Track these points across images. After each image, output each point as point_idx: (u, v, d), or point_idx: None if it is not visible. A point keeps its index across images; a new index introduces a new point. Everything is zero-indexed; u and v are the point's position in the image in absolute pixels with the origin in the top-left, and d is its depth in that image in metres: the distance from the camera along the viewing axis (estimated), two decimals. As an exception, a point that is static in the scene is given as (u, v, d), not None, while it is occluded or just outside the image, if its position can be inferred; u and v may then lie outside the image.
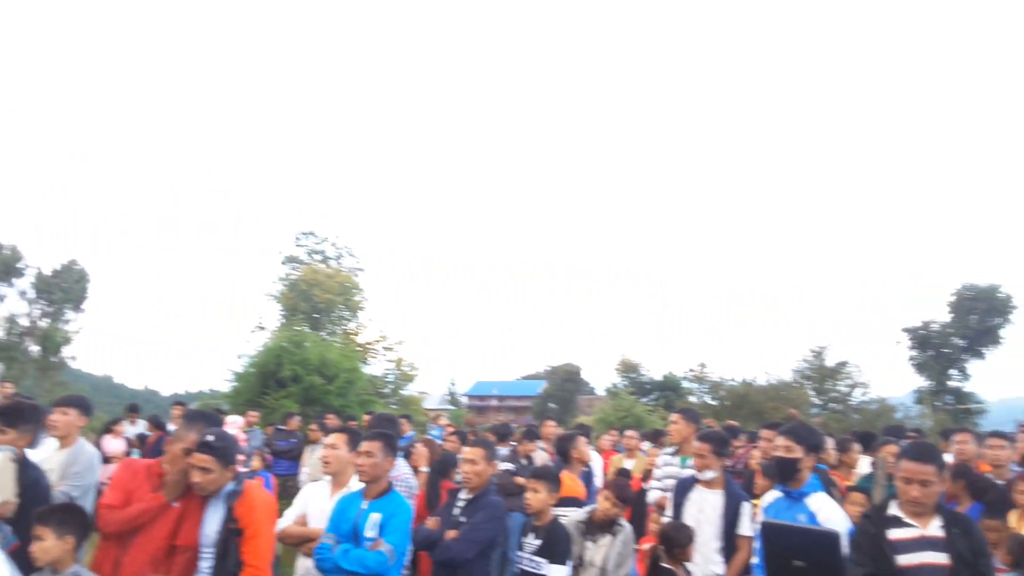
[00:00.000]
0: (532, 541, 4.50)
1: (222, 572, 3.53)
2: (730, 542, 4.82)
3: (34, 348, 37.17)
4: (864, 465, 6.87)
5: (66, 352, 38.10)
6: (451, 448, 7.94)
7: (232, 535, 3.52)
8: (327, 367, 16.20)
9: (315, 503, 4.42)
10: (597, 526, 4.84)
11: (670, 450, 6.26)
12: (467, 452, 4.52)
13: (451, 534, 4.31)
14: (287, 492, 9.11)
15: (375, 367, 23.98)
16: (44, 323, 37.90)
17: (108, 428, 10.36)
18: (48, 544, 3.12)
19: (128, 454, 9.59)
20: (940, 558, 3.20)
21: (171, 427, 9.98)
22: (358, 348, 23.57)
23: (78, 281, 39.57)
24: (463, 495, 4.53)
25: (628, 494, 4.97)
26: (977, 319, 30.45)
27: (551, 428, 8.40)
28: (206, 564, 3.55)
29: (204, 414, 4.10)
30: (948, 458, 6.68)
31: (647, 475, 6.60)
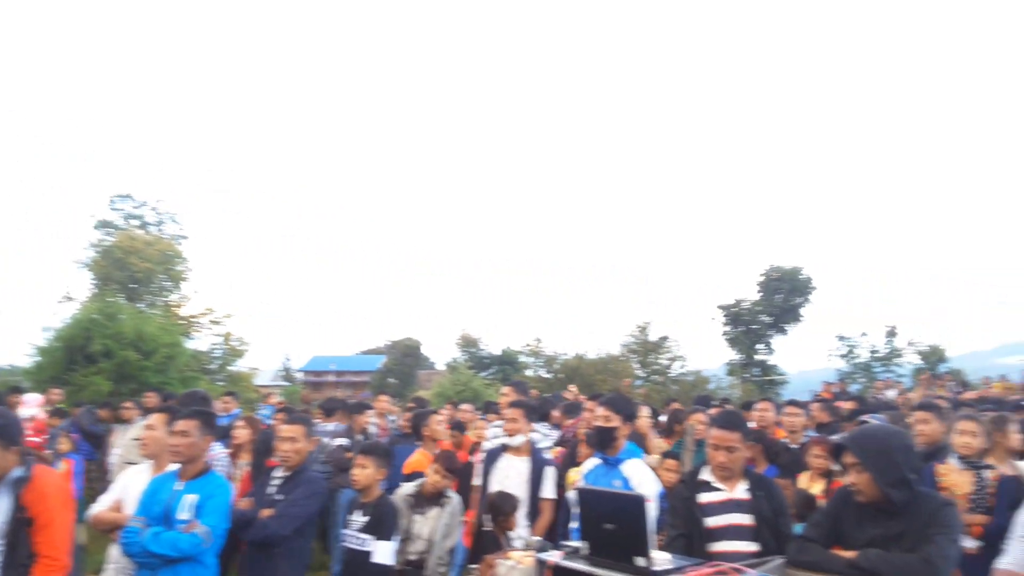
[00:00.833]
0: (359, 518, 4.44)
1: (12, 565, 3.21)
2: (536, 506, 5.06)
3: None
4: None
5: None
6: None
7: (22, 525, 3.21)
8: (144, 341, 15.14)
9: (133, 487, 4.15)
10: (426, 499, 4.88)
11: (500, 422, 6.40)
12: (285, 429, 4.39)
13: (266, 512, 4.17)
14: (96, 476, 8.46)
15: (201, 342, 22.68)
16: None
17: None
18: None
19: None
20: (745, 519, 3.45)
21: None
22: (180, 321, 22.15)
23: None
24: (279, 473, 4.40)
25: (456, 465, 5.04)
26: (781, 298, 33.46)
27: (384, 403, 8.34)
28: (-6, 557, 3.22)
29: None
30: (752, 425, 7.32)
31: (475, 447, 6.72)
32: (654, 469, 6.26)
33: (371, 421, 8.06)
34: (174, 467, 3.96)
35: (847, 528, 2.94)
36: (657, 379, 29.04)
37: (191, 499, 3.73)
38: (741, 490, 3.53)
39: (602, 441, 4.43)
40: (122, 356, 14.57)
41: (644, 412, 7.32)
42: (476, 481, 5.36)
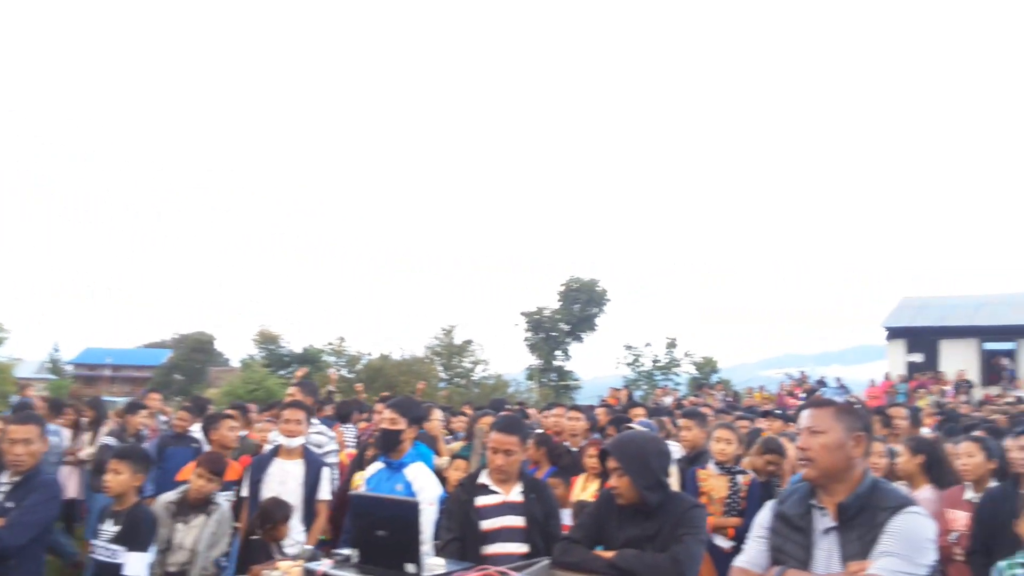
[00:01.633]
0: (110, 528, 4.01)
1: None
2: (312, 508, 4.96)
3: None
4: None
5: None
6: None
7: None
8: None
9: None
10: (190, 506, 4.52)
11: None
12: (14, 430, 3.84)
13: (-2, 522, 3.65)
14: None
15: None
16: None
17: None
18: None
19: None
20: (517, 521, 3.54)
21: None
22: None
23: None
24: (5, 479, 3.87)
25: (223, 468, 4.73)
26: (579, 308, 35.25)
27: (156, 401, 7.70)
28: None
29: None
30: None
31: (257, 450, 6.38)
32: (443, 472, 6.28)
33: (144, 422, 7.40)
34: None
35: (609, 529, 3.08)
36: (460, 382, 29.43)
37: None
38: (516, 493, 3.61)
39: (387, 444, 4.34)
40: None
41: (437, 415, 7.33)
42: (244, 491, 5.10)
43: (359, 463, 5.63)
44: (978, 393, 20.57)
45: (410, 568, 2.77)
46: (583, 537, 3.07)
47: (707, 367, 33.40)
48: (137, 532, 3.96)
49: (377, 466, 4.44)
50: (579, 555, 2.95)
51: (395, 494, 4.09)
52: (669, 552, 2.82)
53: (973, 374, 22.56)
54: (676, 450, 6.11)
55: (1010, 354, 23.27)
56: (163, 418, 8.18)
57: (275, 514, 4.52)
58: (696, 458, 5.80)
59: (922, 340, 24.42)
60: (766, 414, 9.36)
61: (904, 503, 2.40)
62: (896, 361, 24.52)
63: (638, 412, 7.77)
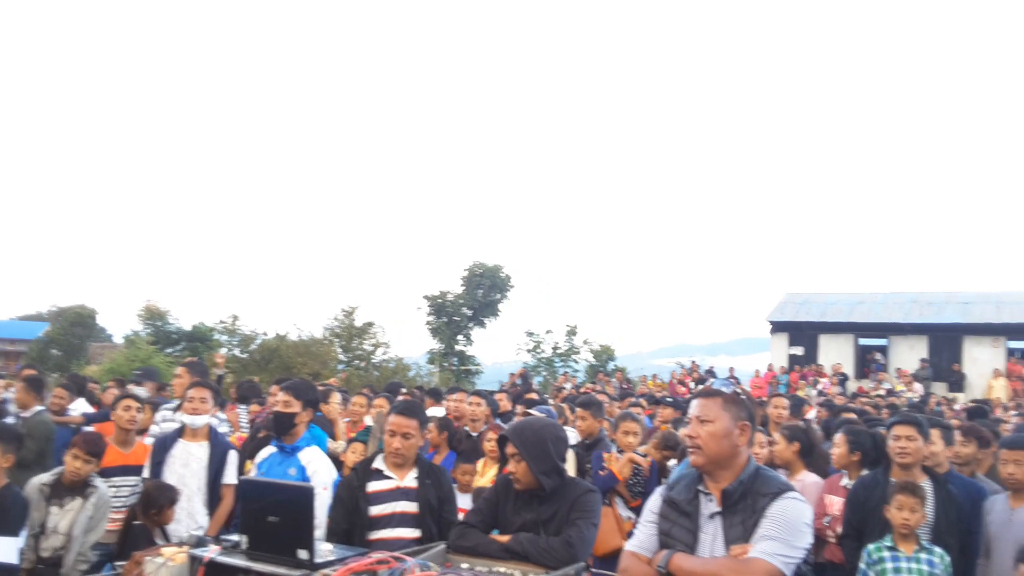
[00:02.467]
0: (-27, 512, 3.75)
1: None
2: (216, 493, 4.79)
3: None
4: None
5: None
6: None
7: None
8: None
9: None
10: (65, 488, 4.27)
11: (172, 404, 5.87)
12: None
13: None
14: None
15: None
16: None
17: None
18: None
19: None
20: (410, 507, 3.54)
21: None
22: None
23: None
24: None
25: (100, 449, 4.48)
26: (482, 293, 35.28)
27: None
28: None
29: None
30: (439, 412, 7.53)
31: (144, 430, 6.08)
32: (338, 456, 6.18)
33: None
34: None
35: (506, 513, 3.11)
36: (360, 364, 28.94)
37: None
38: (410, 478, 3.60)
39: (280, 427, 4.23)
40: None
41: (335, 398, 7.22)
42: (146, 472, 4.86)
43: (251, 447, 5.46)
44: (852, 386, 21.98)
45: (302, 554, 2.71)
46: (479, 522, 3.09)
47: (605, 355, 34.16)
48: (6, 516, 3.71)
49: (270, 450, 4.33)
50: (474, 539, 2.97)
51: (288, 479, 4.00)
52: (563, 536, 2.87)
53: (848, 367, 24.06)
54: (573, 436, 6.24)
55: (882, 349, 24.94)
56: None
57: (159, 499, 4.33)
58: (593, 445, 5.94)
59: (803, 334, 25.81)
60: (658, 402, 9.68)
61: (783, 489, 2.53)
62: (779, 353, 25.84)
63: (532, 397, 7.88)
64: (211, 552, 2.85)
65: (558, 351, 34.33)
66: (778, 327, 26.48)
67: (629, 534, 4.85)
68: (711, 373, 24.48)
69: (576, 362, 34.06)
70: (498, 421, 6.55)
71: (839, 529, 4.76)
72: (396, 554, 2.72)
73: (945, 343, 23.76)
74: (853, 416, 7.13)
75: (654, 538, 2.63)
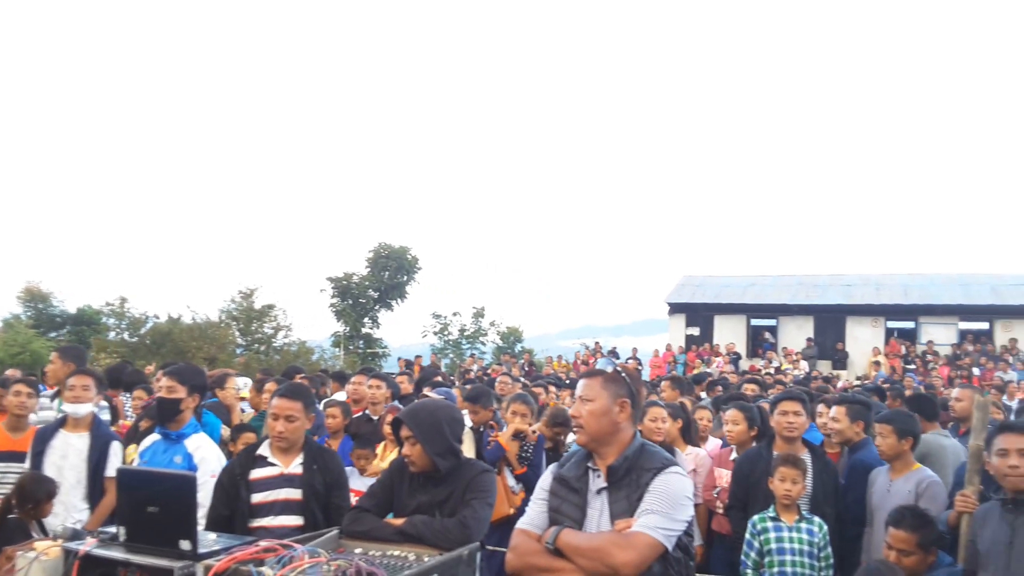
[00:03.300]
0: None
1: None
2: (98, 486, 4.56)
3: None
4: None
5: None
6: None
7: None
8: None
9: None
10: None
11: (49, 392, 5.53)
12: None
13: None
14: None
15: None
16: None
17: None
18: None
19: None
20: (293, 494, 3.46)
21: None
22: None
23: None
24: None
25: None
26: (389, 275, 34.85)
27: None
28: None
29: None
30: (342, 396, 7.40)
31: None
32: (228, 443, 5.98)
33: None
34: None
35: (401, 497, 3.08)
36: (260, 348, 28.09)
37: None
38: (296, 464, 3.53)
39: (164, 414, 4.04)
40: None
41: (232, 383, 6.99)
42: (27, 464, 4.57)
43: (134, 435, 5.20)
44: (745, 364, 23.01)
45: (184, 545, 2.60)
46: (373, 506, 3.04)
47: (512, 337, 34.48)
48: None
49: (154, 438, 4.14)
50: (368, 524, 2.92)
51: (174, 467, 3.85)
52: (457, 517, 2.86)
53: (741, 347, 25.17)
54: (468, 419, 6.26)
55: (772, 329, 26.20)
56: None
57: (35, 492, 4.07)
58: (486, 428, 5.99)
59: (699, 315, 26.83)
60: (558, 383, 9.85)
61: (665, 464, 2.61)
62: (676, 334, 26.76)
63: (438, 379, 7.85)
64: (87, 545, 2.70)
65: (465, 333, 34.39)
66: (676, 308, 27.40)
67: (520, 508, 4.95)
68: (614, 353, 25.09)
69: (483, 344, 34.22)
70: (395, 404, 6.48)
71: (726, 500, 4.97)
72: (285, 541, 2.65)
73: (829, 323, 25.19)
74: (755, 391, 7.50)
75: (544, 515, 2.66)
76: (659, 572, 2.45)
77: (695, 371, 20.71)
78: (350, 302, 34.51)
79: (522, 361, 25.55)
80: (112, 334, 27.99)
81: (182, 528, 2.63)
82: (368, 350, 34.33)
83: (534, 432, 5.61)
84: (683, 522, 2.52)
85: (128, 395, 7.32)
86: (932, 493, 4.16)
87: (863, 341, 24.19)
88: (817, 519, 4.25)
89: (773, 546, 4.16)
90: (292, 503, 3.43)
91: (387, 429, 5.54)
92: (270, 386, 6.36)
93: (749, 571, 4.21)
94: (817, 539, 4.17)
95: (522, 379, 13.98)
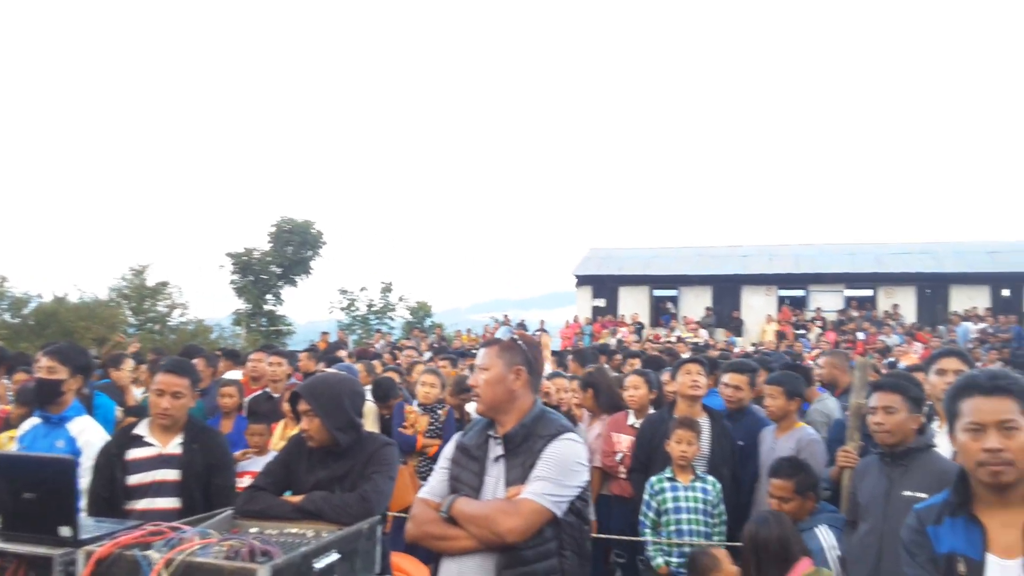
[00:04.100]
0: None
1: None
2: None
3: None
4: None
5: None
6: None
7: None
8: None
9: None
10: None
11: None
12: None
13: None
14: None
15: None
16: None
17: None
18: None
19: None
20: (171, 474, 3.35)
21: None
22: None
23: None
24: None
25: None
26: (292, 250, 33.84)
27: None
28: None
29: None
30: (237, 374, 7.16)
31: None
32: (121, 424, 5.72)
33: None
34: None
35: (300, 473, 3.01)
36: (154, 328, 26.88)
37: None
38: (175, 444, 3.41)
39: (44, 396, 3.81)
40: None
41: (128, 364, 6.71)
42: None
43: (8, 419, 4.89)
44: (649, 333, 23.71)
45: (64, 531, 2.46)
46: (270, 484, 2.96)
47: (421, 311, 34.23)
48: None
49: (33, 421, 3.90)
50: (264, 502, 2.84)
51: (56, 451, 3.63)
52: (358, 491, 2.83)
53: (644, 317, 25.92)
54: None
55: (673, 299, 27.08)
56: None
57: None
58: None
59: (604, 287, 27.43)
60: (464, 355, 9.88)
61: (560, 431, 2.63)
62: (583, 305, 27.31)
63: (341, 355, 7.74)
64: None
65: (373, 308, 33.92)
66: (583, 280, 27.91)
67: None
68: (522, 326, 25.36)
69: (392, 319, 33.85)
70: (293, 381, 6.34)
71: (628, 464, 5.13)
72: (175, 524, 2.55)
73: (726, 292, 26.23)
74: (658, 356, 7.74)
75: (445, 484, 2.67)
76: (550, 536, 2.49)
77: (601, 341, 21.19)
78: (251, 278, 33.37)
79: (432, 336, 25.47)
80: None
81: (62, 514, 2.49)
82: (272, 328, 33.37)
83: (444, 407, 5.64)
84: (575, 488, 2.55)
85: (8, 379, 6.88)
86: (812, 449, 4.41)
87: (757, 309, 25.32)
88: (711, 478, 4.44)
89: (670, 505, 4.32)
90: (169, 484, 3.32)
91: (287, 407, 5.43)
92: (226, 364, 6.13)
93: (647, 530, 4.37)
94: (711, 497, 4.36)
95: (429, 353, 13.98)
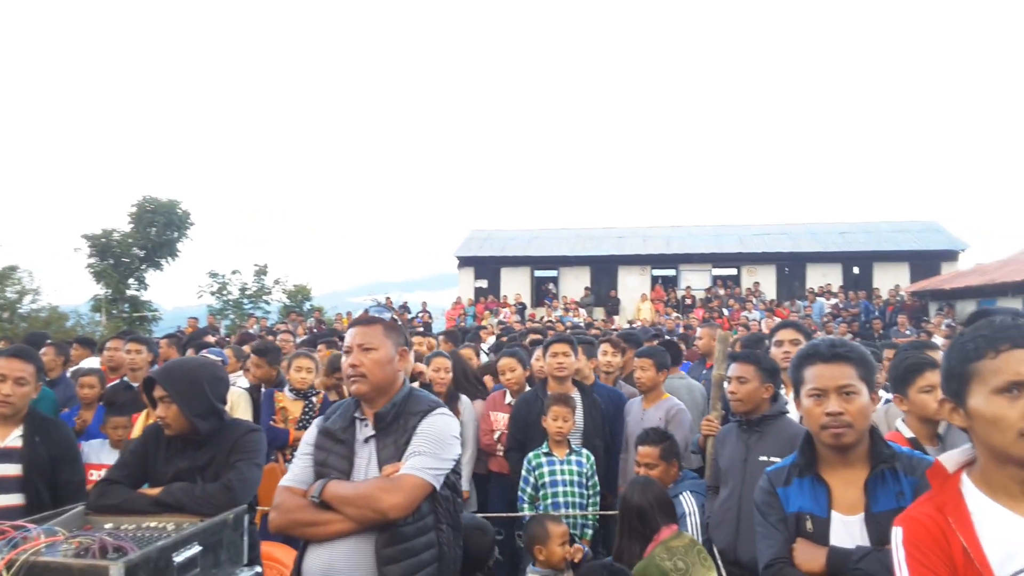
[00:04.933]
0: None
1: None
2: None
3: None
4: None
5: None
6: None
7: None
8: None
9: None
10: None
11: None
12: None
13: None
14: None
15: None
16: None
17: None
18: None
19: None
20: (12, 469, 3.13)
21: None
22: None
23: None
24: None
25: None
26: (156, 231, 31.94)
27: None
28: None
29: None
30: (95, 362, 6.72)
31: None
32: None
33: None
34: None
35: (158, 464, 2.85)
36: (2, 315, 24.75)
37: None
38: (14, 437, 3.18)
39: None
40: None
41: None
42: None
43: None
44: (529, 314, 24.05)
45: None
46: (124, 476, 2.78)
47: (300, 295, 33.19)
48: None
49: None
50: (118, 496, 2.67)
51: None
52: (221, 480, 2.71)
53: (526, 297, 26.27)
54: (245, 380, 5.99)
55: (554, 280, 27.60)
56: None
57: None
58: (272, 384, 5.75)
59: (487, 268, 27.59)
60: (341, 338, 9.65)
61: (432, 407, 2.63)
62: (466, 287, 27.37)
63: (209, 340, 7.40)
64: None
65: (247, 292, 32.60)
66: (464, 262, 27.94)
67: None
68: (405, 308, 25.11)
69: (268, 303, 32.66)
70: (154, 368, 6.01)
71: (505, 442, 5.19)
72: (19, 522, 2.36)
73: (604, 273, 27.00)
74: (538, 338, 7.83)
75: (309, 470, 2.59)
76: (427, 511, 2.48)
77: (483, 322, 21.31)
78: (111, 262, 31.28)
79: (311, 320, 24.79)
80: None
81: None
82: (136, 314, 31.46)
83: (319, 394, 5.49)
84: (450, 460, 2.56)
85: None
86: (679, 419, 4.63)
87: (632, 288, 26.22)
88: (585, 451, 4.57)
89: (547, 479, 4.42)
90: (10, 480, 3.09)
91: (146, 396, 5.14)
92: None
93: (525, 505, 4.45)
94: (585, 469, 4.49)
95: (306, 336, 13.57)
